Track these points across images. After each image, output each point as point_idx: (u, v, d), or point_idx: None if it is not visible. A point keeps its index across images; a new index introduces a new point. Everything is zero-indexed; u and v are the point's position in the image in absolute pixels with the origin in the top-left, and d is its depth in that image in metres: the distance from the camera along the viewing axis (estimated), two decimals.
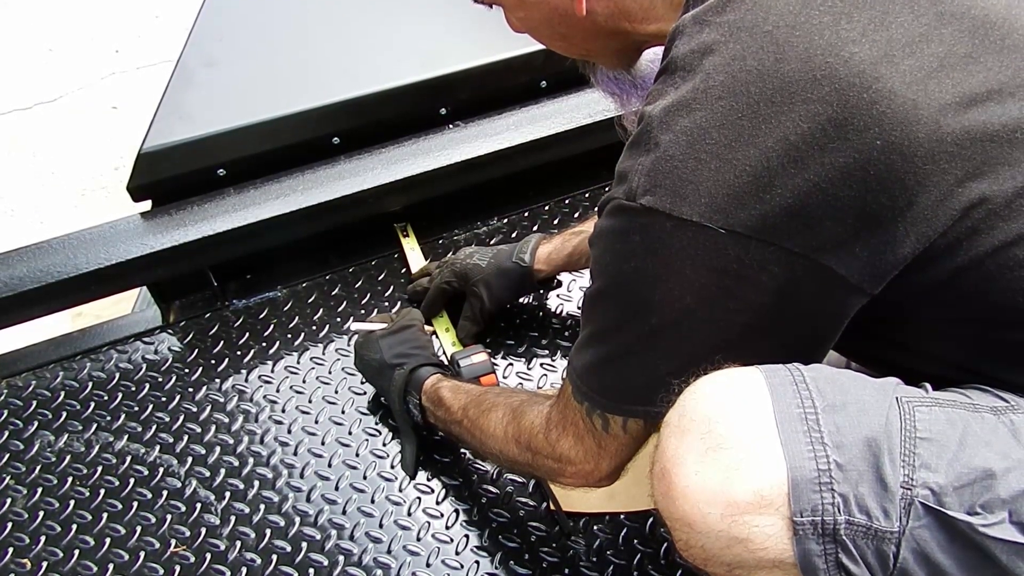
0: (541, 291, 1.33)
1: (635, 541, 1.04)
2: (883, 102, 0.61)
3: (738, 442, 0.61)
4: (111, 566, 1.03)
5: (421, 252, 1.40)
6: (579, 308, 1.32)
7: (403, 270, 1.39)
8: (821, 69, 0.62)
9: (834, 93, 0.62)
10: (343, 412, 1.18)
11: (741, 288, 0.66)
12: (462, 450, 1.13)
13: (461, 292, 1.26)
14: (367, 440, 1.15)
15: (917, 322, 0.70)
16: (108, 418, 1.18)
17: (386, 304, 1.33)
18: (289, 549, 1.04)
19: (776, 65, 0.63)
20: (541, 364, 1.25)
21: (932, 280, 0.65)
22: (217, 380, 1.23)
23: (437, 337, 1.27)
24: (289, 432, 1.16)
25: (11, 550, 1.04)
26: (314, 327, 1.30)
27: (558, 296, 1.34)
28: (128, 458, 1.14)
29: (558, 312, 1.32)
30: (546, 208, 1.50)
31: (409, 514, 1.07)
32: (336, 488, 1.10)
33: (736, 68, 0.64)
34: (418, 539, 1.04)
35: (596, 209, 0.75)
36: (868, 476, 0.59)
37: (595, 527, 1.05)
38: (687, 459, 0.62)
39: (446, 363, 1.18)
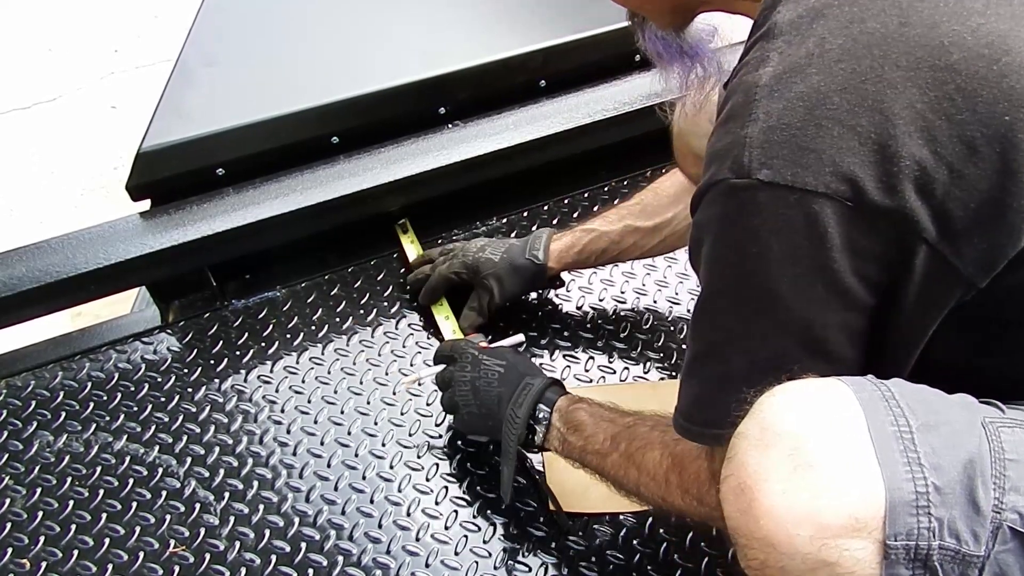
0: (542, 289, 1.33)
1: (635, 541, 1.04)
2: (1012, 76, 0.58)
3: (832, 461, 0.58)
4: (110, 566, 1.02)
5: (420, 248, 1.40)
6: (578, 308, 1.32)
7: (402, 269, 1.38)
8: (948, 36, 0.59)
9: (963, 61, 0.59)
10: (342, 412, 1.18)
11: (866, 269, 0.62)
12: (460, 450, 1.13)
13: (467, 283, 1.25)
14: (366, 440, 1.15)
15: (1002, 326, 0.67)
16: (107, 418, 1.18)
17: (385, 304, 1.33)
18: (288, 549, 1.03)
19: (900, 29, 0.60)
20: (540, 365, 1.25)
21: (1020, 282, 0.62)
22: (216, 380, 1.23)
23: (435, 324, 1.26)
24: (288, 432, 1.16)
25: (10, 550, 1.04)
26: (313, 327, 1.30)
27: (556, 296, 1.34)
28: (127, 458, 1.13)
29: (559, 309, 1.32)
30: (545, 208, 1.49)
31: (408, 514, 1.07)
32: (335, 488, 1.10)
33: (856, 31, 0.61)
34: (417, 539, 1.04)
35: (691, 204, 0.70)
36: (962, 499, 0.57)
37: (595, 527, 1.05)
38: (772, 476, 0.59)
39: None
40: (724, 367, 0.71)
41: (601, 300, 1.34)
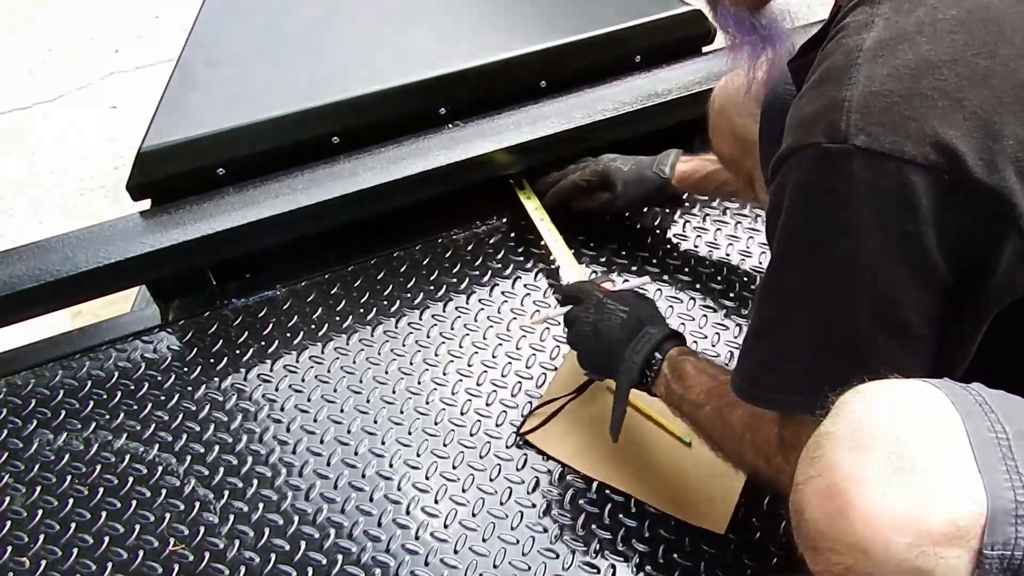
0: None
1: (634, 541, 1.04)
2: None
3: (935, 465, 0.55)
4: (110, 565, 1.03)
5: (538, 201, 1.43)
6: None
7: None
8: None
9: None
10: (342, 411, 1.18)
11: (954, 248, 0.60)
12: (460, 449, 1.13)
13: (593, 189, 1.36)
14: (366, 438, 1.15)
15: None
16: (107, 416, 1.18)
17: (385, 303, 1.34)
18: (288, 548, 1.04)
19: (1017, 5, 0.59)
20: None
21: None
22: (216, 379, 1.23)
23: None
24: (288, 431, 1.16)
25: (10, 548, 1.04)
26: (313, 326, 1.30)
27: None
28: (127, 456, 1.14)
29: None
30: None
31: (408, 513, 1.07)
32: (335, 487, 1.10)
33: (970, 4, 0.60)
34: (416, 538, 1.04)
35: (770, 169, 0.68)
36: None
37: (594, 527, 1.05)
38: (870, 479, 0.56)
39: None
40: (793, 336, 0.69)
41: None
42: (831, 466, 0.58)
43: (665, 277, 1.36)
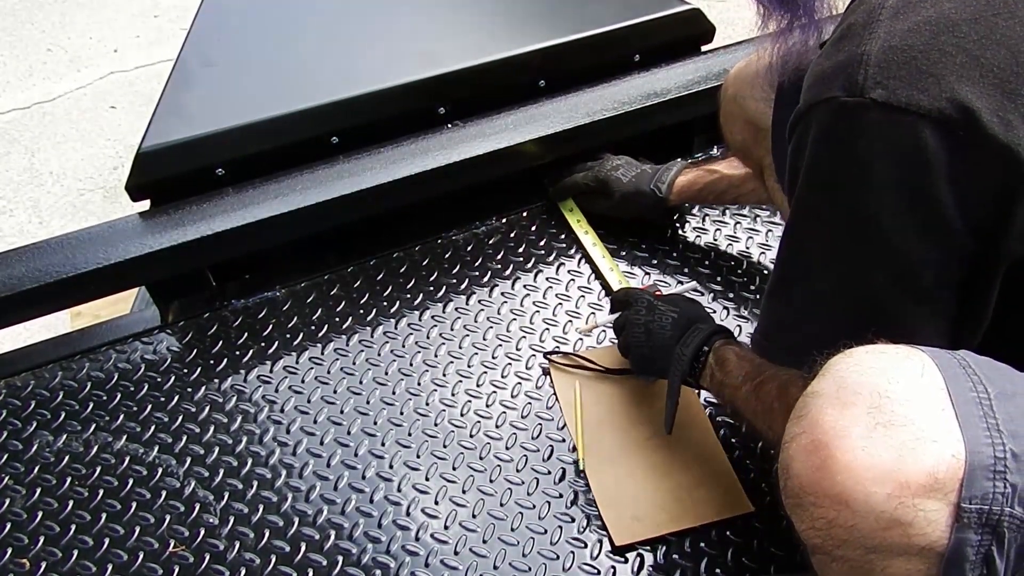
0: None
1: (636, 542, 1.04)
2: None
3: (914, 419, 0.57)
4: (110, 566, 1.03)
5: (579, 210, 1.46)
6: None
7: (400, 268, 1.39)
8: None
9: None
10: (342, 412, 1.18)
11: (968, 206, 0.61)
12: (459, 449, 1.13)
13: (594, 193, 1.40)
14: (366, 440, 1.15)
15: None
16: (107, 418, 1.18)
17: (384, 304, 1.33)
18: (288, 549, 1.04)
19: None
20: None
21: None
22: (216, 380, 1.23)
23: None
24: (288, 432, 1.16)
25: (10, 550, 1.04)
26: (313, 327, 1.30)
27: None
28: (127, 458, 1.14)
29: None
30: (545, 208, 1.50)
31: (408, 514, 1.07)
32: (335, 488, 1.10)
33: None
34: (416, 539, 1.04)
35: (788, 129, 0.68)
36: None
37: (597, 523, 1.05)
38: (852, 433, 0.57)
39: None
40: (810, 292, 0.70)
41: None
42: (815, 423, 0.59)
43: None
